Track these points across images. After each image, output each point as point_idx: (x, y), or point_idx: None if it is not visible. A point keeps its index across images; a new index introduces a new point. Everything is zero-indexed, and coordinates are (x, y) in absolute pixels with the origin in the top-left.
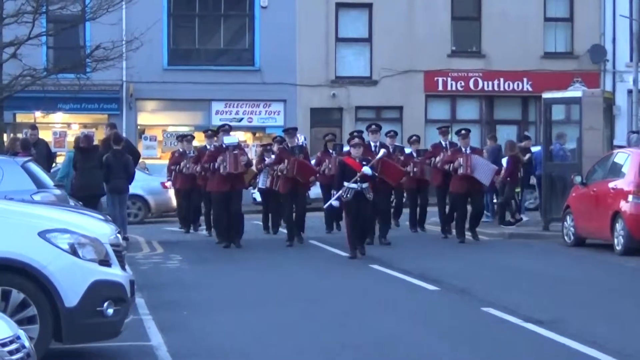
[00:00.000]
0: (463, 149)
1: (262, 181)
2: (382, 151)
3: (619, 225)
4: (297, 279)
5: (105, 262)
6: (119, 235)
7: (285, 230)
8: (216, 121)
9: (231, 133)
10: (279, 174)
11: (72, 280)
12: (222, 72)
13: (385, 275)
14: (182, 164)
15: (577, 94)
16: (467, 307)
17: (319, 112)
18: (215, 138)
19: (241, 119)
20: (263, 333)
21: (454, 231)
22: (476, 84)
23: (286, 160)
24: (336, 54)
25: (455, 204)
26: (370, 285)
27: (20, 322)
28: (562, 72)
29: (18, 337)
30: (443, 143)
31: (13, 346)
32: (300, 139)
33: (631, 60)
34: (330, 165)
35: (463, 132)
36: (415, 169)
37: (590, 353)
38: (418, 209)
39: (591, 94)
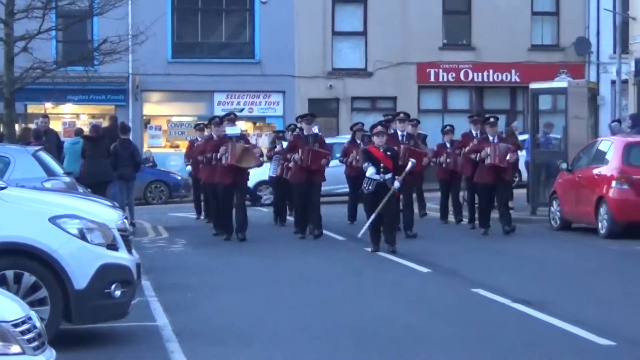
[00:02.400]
0: (490, 138)
1: (273, 169)
2: (411, 163)
3: (602, 210)
4: (296, 264)
5: (112, 246)
6: (125, 220)
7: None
8: (218, 111)
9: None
10: (291, 163)
11: (81, 263)
12: (224, 64)
13: (381, 259)
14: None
15: (563, 84)
16: (457, 288)
17: (316, 103)
18: (214, 126)
19: (242, 110)
20: (263, 314)
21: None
22: (466, 75)
23: (300, 150)
24: (333, 47)
25: (481, 195)
26: (366, 269)
27: (31, 304)
28: (549, 63)
29: (29, 318)
30: (474, 132)
31: (25, 326)
32: (314, 129)
33: (614, 52)
34: (357, 157)
35: (492, 120)
36: (448, 160)
37: (575, 332)
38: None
39: (576, 84)
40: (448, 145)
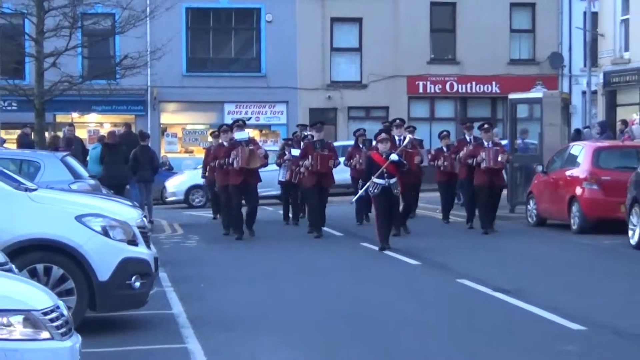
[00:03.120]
0: (485, 143)
1: (282, 174)
2: (408, 138)
3: (574, 208)
4: (299, 258)
5: (133, 242)
6: (144, 218)
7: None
8: (228, 120)
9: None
10: (303, 169)
11: (104, 257)
12: (233, 77)
13: (373, 253)
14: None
15: (538, 95)
16: (444, 279)
17: (316, 112)
18: (222, 133)
19: (249, 118)
20: (269, 303)
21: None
22: (452, 86)
23: (310, 156)
24: (331, 61)
25: (479, 196)
26: (361, 262)
27: (59, 294)
28: (526, 76)
29: (58, 307)
30: (467, 138)
31: (54, 314)
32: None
33: (585, 65)
34: (360, 160)
35: (486, 126)
36: (445, 163)
37: (550, 318)
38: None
39: (550, 95)
40: (445, 149)
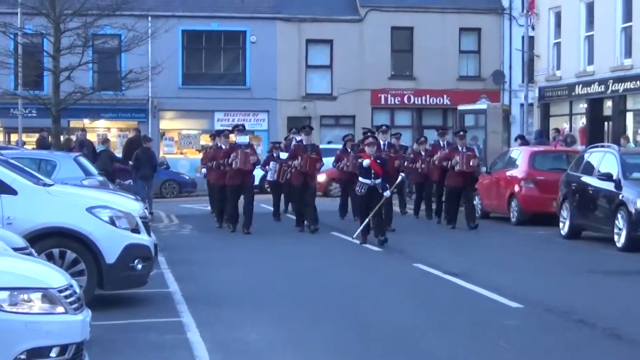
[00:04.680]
0: (460, 148)
1: (271, 174)
2: (401, 177)
3: (514, 203)
4: (279, 245)
5: (135, 230)
6: (146, 210)
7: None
8: (218, 126)
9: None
10: (293, 168)
11: (111, 243)
12: (222, 90)
13: (342, 240)
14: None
15: (483, 106)
16: (402, 263)
17: (293, 120)
18: (223, 137)
19: (237, 125)
20: (253, 282)
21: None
22: (409, 99)
23: (300, 157)
24: (306, 76)
25: (450, 196)
26: (331, 248)
27: (72, 275)
28: (472, 90)
29: (71, 286)
30: (441, 143)
31: (67, 292)
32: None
33: (523, 82)
34: (348, 163)
35: (461, 133)
36: (422, 166)
37: (492, 297)
38: (423, 201)
39: (493, 106)
40: (422, 153)
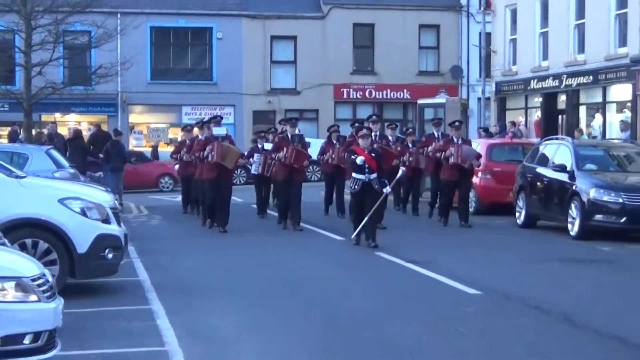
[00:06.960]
0: (455, 140)
1: (255, 168)
2: (401, 171)
3: (472, 194)
4: (247, 236)
5: (106, 221)
6: (116, 201)
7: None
8: (185, 120)
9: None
10: (277, 161)
11: (83, 233)
12: (190, 84)
13: (310, 231)
14: (182, 152)
15: (442, 100)
16: (365, 252)
17: (258, 114)
18: (206, 129)
19: (203, 119)
20: (221, 271)
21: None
22: (370, 93)
23: (285, 149)
24: (271, 72)
25: (444, 190)
26: (298, 239)
27: (45, 264)
28: (432, 85)
29: (44, 275)
30: (435, 134)
31: (40, 281)
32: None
33: (480, 76)
34: (333, 155)
35: (456, 124)
36: (410, 158)
37: (451, 284)
38: (410, 195)
39: (452, 100)
40: (410, 145)
